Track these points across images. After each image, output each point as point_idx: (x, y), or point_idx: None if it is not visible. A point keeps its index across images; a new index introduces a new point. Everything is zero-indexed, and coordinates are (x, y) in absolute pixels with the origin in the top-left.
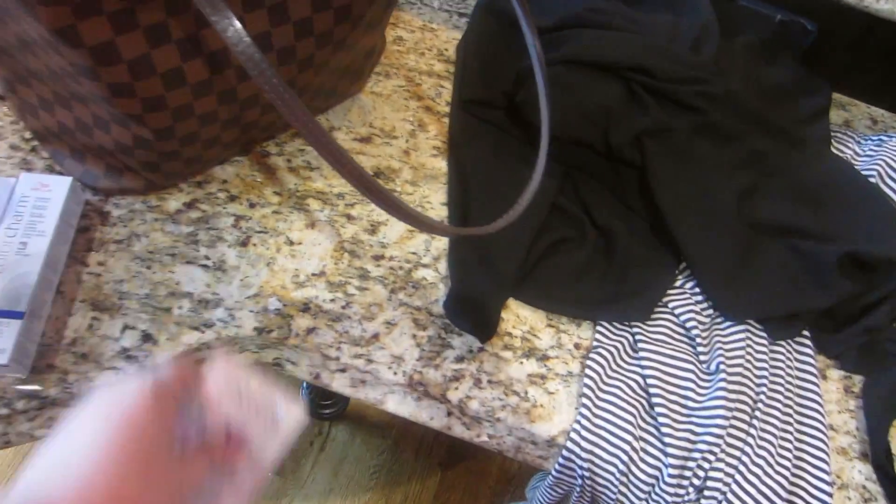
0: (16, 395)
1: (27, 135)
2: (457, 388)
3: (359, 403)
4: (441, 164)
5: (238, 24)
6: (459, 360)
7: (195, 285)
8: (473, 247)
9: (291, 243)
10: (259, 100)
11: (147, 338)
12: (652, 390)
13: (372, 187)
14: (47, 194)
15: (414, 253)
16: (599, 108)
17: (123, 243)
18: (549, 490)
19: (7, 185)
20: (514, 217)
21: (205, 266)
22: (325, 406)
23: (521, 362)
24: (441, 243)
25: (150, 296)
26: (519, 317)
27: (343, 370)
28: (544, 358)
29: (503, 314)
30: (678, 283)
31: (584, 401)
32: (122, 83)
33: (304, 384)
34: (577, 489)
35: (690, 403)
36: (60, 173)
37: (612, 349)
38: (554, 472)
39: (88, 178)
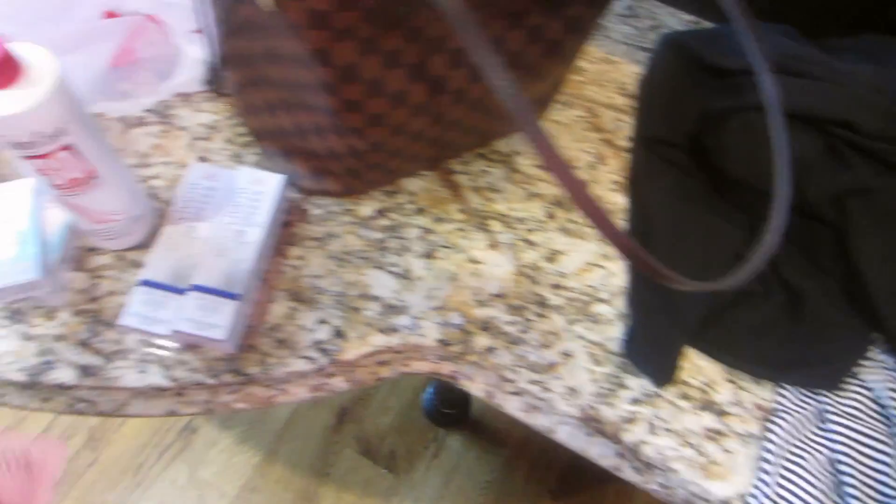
0: (223, 368)
1: (241, 130)
2: (631, 431)
3: (478, 414)
4: (620, 200)
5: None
6: (635, 401)
7: (383, 290)
8: (656, 290)
9: (474, 261)
10: (462, 123)
11: (339, 334)
12: (842, 468)
13: (623, 242)
14: (262, 188)
15: (592, 286)
16: (798, 161)
17: (320, 241)
18: None
19: (230, 177)
20: (748, 274)
21: (393, 273)
22: (446, 411)
23: (698, 414)
24: (619, 280)
25: (342, 294)
26: (697, 367)
27: (518, 394)
28: (722, 413)
29: (680, 362)
30: (872, 355)
31: (766, 466)
32: (355, 100)
33: (432, 385)
34: None
35: (888, 491)
36: (267, 169)
37: (797, 416)
38: None
39: (293, 177)
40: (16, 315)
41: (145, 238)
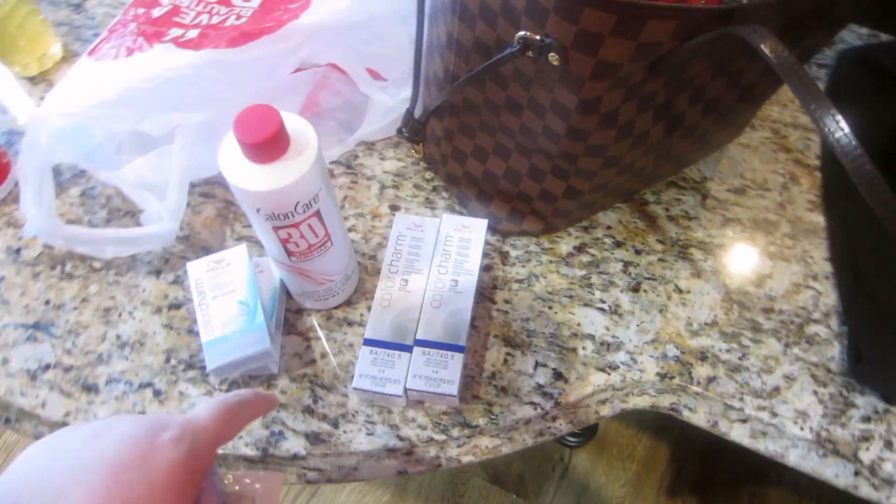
0: (451, 422)
1: (428, 176)
2: (867, 449)
3: (601, 430)
4: (818, 219)
5: (846, 129)
6: (866, 419)
7: (595, 328)
8: (875, 306)
9: (680, 291)
10: (679, 157)
11: (558, 376)
12: None
13: None
14: (468, 235)
15: (803, 308)
16: None
17: (524, 283)
18: None
19: (434, 225)
20: None
21: (601, 309)
22: (572, 436)
23: None
24: (829, 300)
25: (555, 335)
26: None
27: (744, 420)
28: None
29: None
30: None
31: None
32: (602, 144)
33: None
34: None
35: None
36: (460, 213)
37: None
38: None
39: (492, 219)
40: (233, 387)
41: (352, 295)
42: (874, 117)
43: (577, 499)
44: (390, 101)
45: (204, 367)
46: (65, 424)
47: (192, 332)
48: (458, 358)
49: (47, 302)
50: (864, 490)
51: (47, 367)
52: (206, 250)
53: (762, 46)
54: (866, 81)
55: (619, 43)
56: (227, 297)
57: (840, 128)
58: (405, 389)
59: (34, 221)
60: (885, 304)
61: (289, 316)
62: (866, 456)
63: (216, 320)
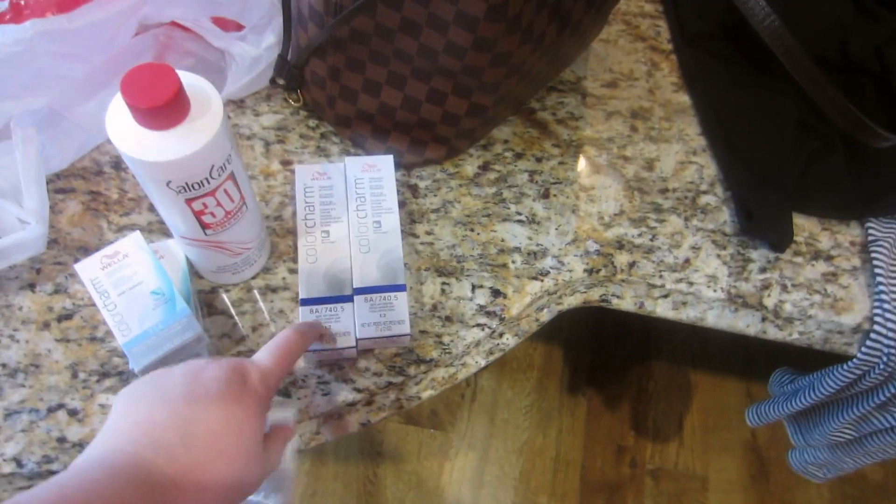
0: (405, 361)
1: (313, 123)
2: (769, 295)
3: None
4: (684, 98)
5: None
6: (762, 270)
7: (519, 240)
8: (749, 167)
9: (586, 189)
10: (566, 59)
11: (496, 293)
12: None
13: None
14: (377, 174)
15: (691, 182)
16: (834, 23)
17: (440, 211)
18: (846, 373)
19: (339, 170)
20: None
21: (519, 221)
22: None
23: (813, 265)
24: (711, 170)
25: (483, 255)
26: (796, 225)
27: (666, 296)
28: (829, 258)
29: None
30: None
31: (881, 287)
32: (507, 52)
33: None
34: (880, 366)
35: None
36: (357, 155)
37: (889, 240)
38: (860, 354)
39: (394, 154)
40: None
41: (267, 261)
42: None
43: (490, 417)
44: (254, 50)
45: (121, 373)
46: None
47: (95, 339)
48: (403, 297)
49: None
50: (772, 332)
51: None
52: (84, 250)
53: None
54: None
55: None
56: (136, 290)
57: (762, 6)
58: (356, 340)
59: None
60: (757, 164)
61: (203, 297)
62: (769, 301)
63: (130, 318)
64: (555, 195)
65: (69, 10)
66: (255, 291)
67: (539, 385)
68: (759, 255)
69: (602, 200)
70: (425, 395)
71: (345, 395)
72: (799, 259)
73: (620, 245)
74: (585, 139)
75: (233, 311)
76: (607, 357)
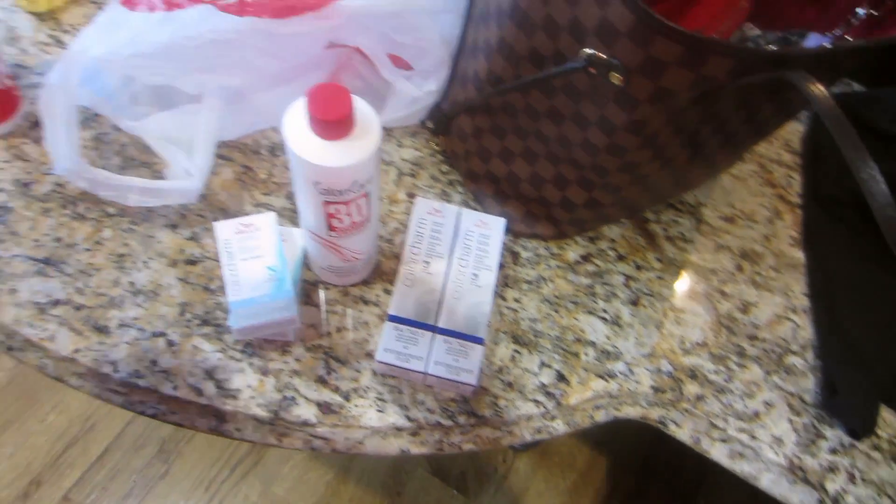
0: (458, 409)
1: (444, 169)
2: (833, 480)
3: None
4: (799, 255)
5: (881, 181)
6: (833, 451)
7: (597, 335)
8: (848, 345)
9: (675, 310)
10: (688, 180)
11: (561, 377)
12: None
13: None
14: (487, 231)
15: (783, 338)
16: None
17: (533, 284)
18: None
19: (452, 212)
20: None
21: (603, 318)
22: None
23: (891, 466)
24: (807, 333)
25: (560, 338)
26: (885, 420)
27: (725, 440)
28: None
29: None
30: None
31: None
32: (636, 162)
33: None
34: None
35: None
36: (475, 209)
37: None
38: None
39: (506, 219)
40: (248, 348)
41: (369, 275)
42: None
43: (514, 501)
44: (416, 91)
45: (218, 325)
46: (73, 360)
47: (208, 289)
48: (478, 349)
49: (58, 239)
50: None
51: (56, 302)
52: (224, 212)
53: (811, 92)
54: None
55: (680, 73)
56: (256, 262)
57: (874, 177)
58: (425, 371)
59: (63, 160)
60: (856, 345)
61: (305, 287)
62: (831, 486)
63: (244, 282)
64: (644, 306)
65: (282, 17)
66: (350, 298)
67: (574, 489)
68: (833, 434)
69: (688, 326)
70: (466, 447)
71: (396, 418)
72: (877, 454)
73: (693, 375)
74: (689, 263)
75: (324, 308)
76: (652, 486)
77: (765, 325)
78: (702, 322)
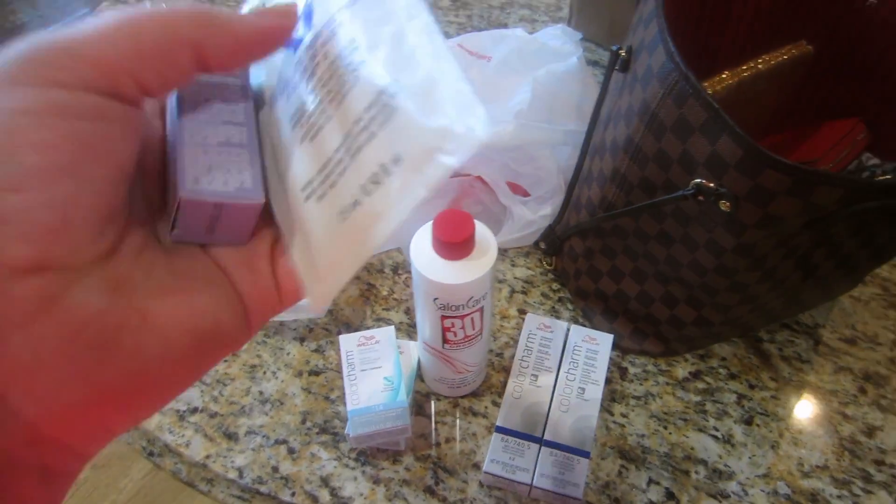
0: None
1: (554, 286)
2: None
3: None
4: None
5: None
6: None
7: (708, 454)
8: None
9: (792, 430)
10: (803, 302)
11: (670, 496)
12: None
13: None
14: (595, 347)
15: None
16: None
17: (641, 400)
18: None
19: (561, 328)
20: None
21: (714, 436)
22: None
23: None
24: None
25: (669, 455)
26: None
27: None
28: None
29: None
30: None
31: None
32: (744, 283)
33: None
34: None
35: None
36: (583, 325)
37: None
38: None
39: (615, 335)
40: (361, 456)
41: (479, 388)
42: None
43: None
44: (531, 215)
45: (336, 434)
46: (204, 466)
47: (328, 399)
48: (584, 463)
49: None
50: None
51: (195, 410)
52: (347, 326)
53: None
54: None
55: (789, 201)
56: (375, 372)
57: None
58: (531, 483)
59: None
60: None
61: (417, 398)
62: None
63: (363, 391)
64: (758, 425)
65: None
66: (460, 409)
67: None
68: None
69: (807, 448)
70: None
71: None
72: None
73: (815, 499)
74: (806, 383)
75: (435, 419)
76: None
77: (892, 450)
78: (822, 444)
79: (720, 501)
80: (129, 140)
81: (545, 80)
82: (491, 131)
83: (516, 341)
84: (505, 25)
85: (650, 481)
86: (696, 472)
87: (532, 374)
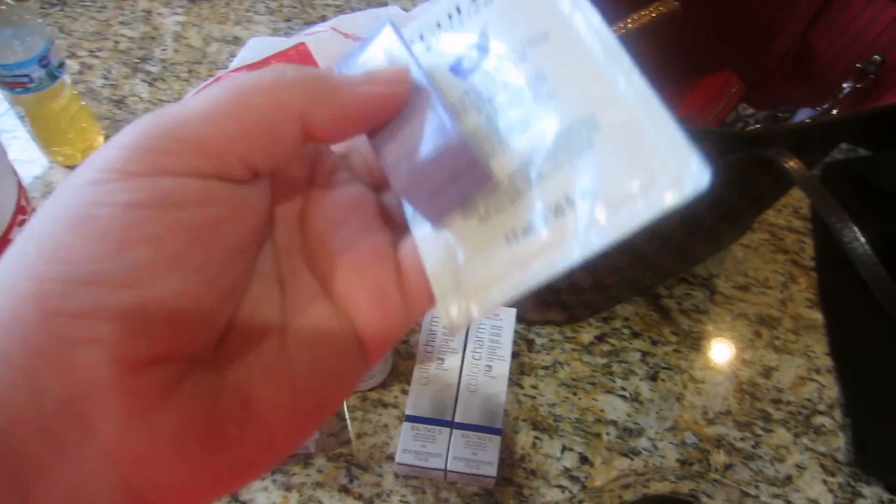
0: (486, 503)
1: None
2: None
3: None
4: (817, 316)
5: (862, 239)
6: None
7: (617, 414)
8: (875, 400)
9: (695, 381)
10: (690, 256)
11: (584, 460)
12: None
13: None
14: (498, 322)
15: (809, 399)
16: None
17: (550, 369)
18: None
19: None
20: None
21: (623, 396)
22: None
23: None
24: (833, 392)
25: (580, 420)
26: None
27: None
28: None
29: None
30: None
31: None
32: (631, 245)
33: None
34: None
35: None
36: None
37: None
38: None
39: (518, 308)
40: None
41: (387, 377)
42: (860, 225)
43: None
44: None
45: None
46: None
47: None
48: (496, 440)
49: None
50: None
51: None
52: None
53: (787, 166)
54: (849, 192)
55: None
56: None
57: (857, 238)
58: (445, 468)
59: None
60: (885, 398)
61: None
62: None
63: None
64: (663, 380)
65: None
66: (369, 402)
67: None
68: (871, 492)
69: (710, 396)
70: None
71: None
72: None
73: (719, 444)
74: (706, 334)
75: (346, 415)
76: None
77: (788, 388)
78: (724, 391)
79: (632, 459)
80: (240, 220)
81: None
82: (705, 181)
83: (420, 327)
84: (384, 4)
85: (564, 448)
86: (608, 434)
87: (438, 358)
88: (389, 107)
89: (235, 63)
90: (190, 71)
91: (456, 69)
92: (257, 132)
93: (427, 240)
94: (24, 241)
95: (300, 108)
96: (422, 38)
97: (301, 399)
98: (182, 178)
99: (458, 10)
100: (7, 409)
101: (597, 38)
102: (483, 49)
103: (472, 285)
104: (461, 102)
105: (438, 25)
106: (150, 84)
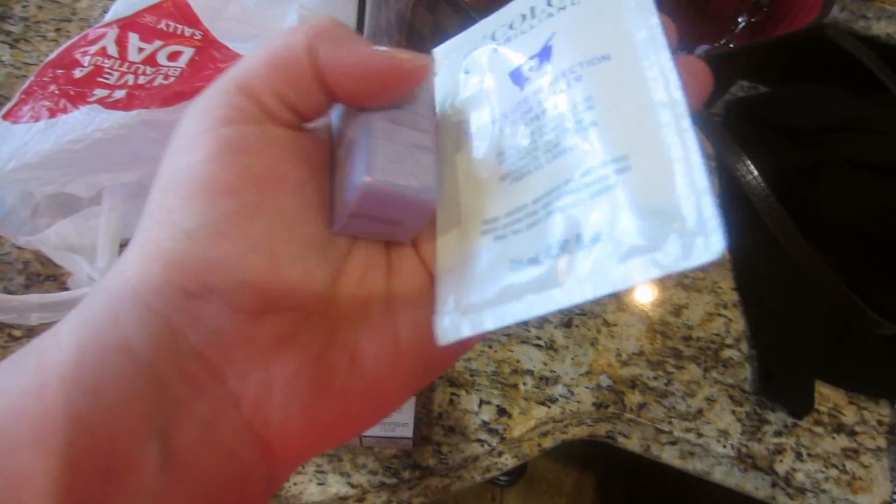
0: (401, 464)
1: None
2: (781, 461)
3: (530, 467)
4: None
5: (755, 173)
6: (778, 434)
7: (533, 363)
8: (777, 329)
9: (608, 324)
10: None
11: (502, 412)
12: None
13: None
14: None
15: (717, 334)
16: (887, 207)
17: None
18: None
19: None
20: None
21: (538, 345)
22: (503, 475)
23: (833, 437)
24: (739, 326)
25: (496, 373)
26: (822, 395)
27: (674, 443)
28: (852, 433)
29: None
30: None
31: None
32: None
33: None
34: None
35: None
36: None
37: None
38: None
39: None
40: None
41: None
42: (757, 161)
43: None
44: None
45: None
46: None
47: None
48: (411, 401)
49: None
50: (781, 499)
51: None
52: None
53: None
54: (749, 129)
55: None
56: None
57: (750, 172)
58: (360, 435)
59: None
60: (785, 329)
61: None
62: (781, 467)
63: None
64: (577, 326)
65: (171, 105)
66: None
67: None
68: (776, 417)
69: (623, 338)
70: (416, 501)
71: (339, 487)
72: (819, 429)
73: (633, 385)
74: None
75: None
76: (643, 496)
77: (697, 325)
78: (636, 332)
79: (549, 406)
80: (303, 165)
81: (312, 4)
82: (717, 254)
83: None
84: None
85: (481, 402)
86: (525, 384)
87: None
88: (394, 76)
89: (108, 17)
90: (58, 30)
91: (515, 77)
92: (276, 66)
93: (445, 247)
94: (147, 207)
95: (308, 41)
96: (493, 37)
97: (404, 359)
98: (239, 125)
99: (532, 12)
100: (153, 347)
101: (659, 74)
102: (544, 60)
103: (467, 304)
104: (513, 112)
105: (511, 26)
106: (12, 46)
